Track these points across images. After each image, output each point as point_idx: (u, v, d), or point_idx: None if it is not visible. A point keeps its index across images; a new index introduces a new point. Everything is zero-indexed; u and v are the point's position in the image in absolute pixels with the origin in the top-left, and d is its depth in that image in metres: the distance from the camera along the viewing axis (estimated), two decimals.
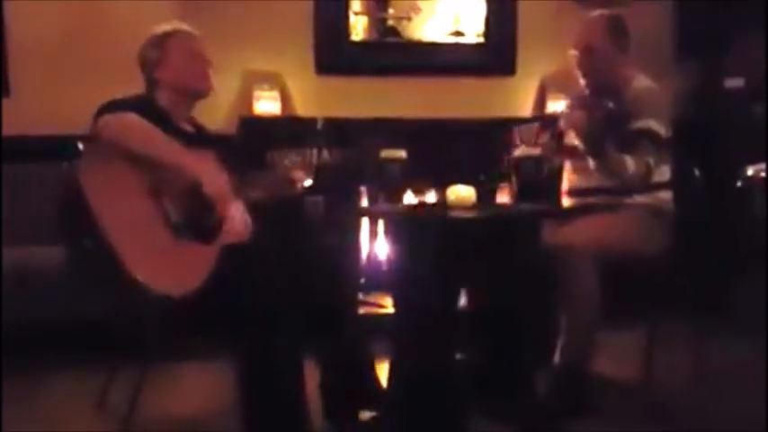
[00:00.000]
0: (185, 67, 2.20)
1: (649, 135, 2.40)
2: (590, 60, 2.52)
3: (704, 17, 3.63)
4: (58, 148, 2.05)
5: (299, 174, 2.32)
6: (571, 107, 2.60)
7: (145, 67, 2.21)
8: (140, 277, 1.83)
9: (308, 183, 2.35)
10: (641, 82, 2.52)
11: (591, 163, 2.41)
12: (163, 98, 2.19)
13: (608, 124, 2.40)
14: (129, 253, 1.84)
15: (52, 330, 2.81)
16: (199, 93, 2.24)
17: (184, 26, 2.26)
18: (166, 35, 2.22)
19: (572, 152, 2.56)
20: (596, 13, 2.56)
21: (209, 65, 2.24)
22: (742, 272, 3.25)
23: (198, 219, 2.01)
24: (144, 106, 2.06)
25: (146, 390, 2.13)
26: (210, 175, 2.01)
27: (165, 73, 2.18)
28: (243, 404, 1.95)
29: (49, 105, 3.38)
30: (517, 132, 2.52)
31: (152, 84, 2.21)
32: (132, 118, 1.97)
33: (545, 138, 2.70)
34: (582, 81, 2.57)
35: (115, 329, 2.17)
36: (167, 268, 1.91)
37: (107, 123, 1.96)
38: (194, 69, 2.22)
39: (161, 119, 2.08)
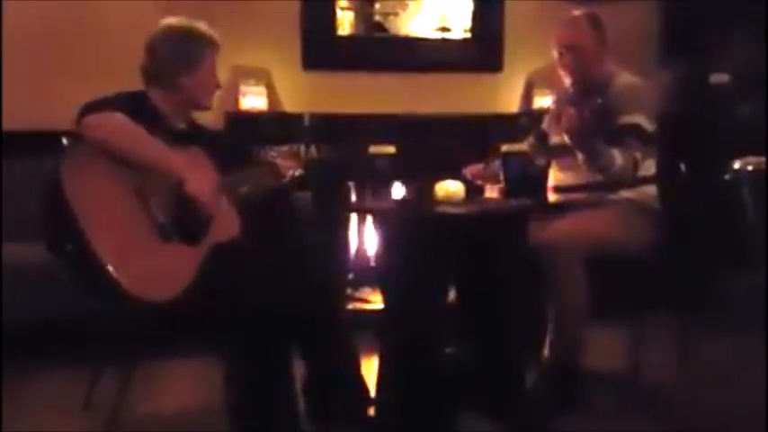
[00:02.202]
0: (209, 81, 2.14)
1: (635, 130, 2.41)
2: (575, 59, 2.53)
3: (690, 13, 3.65)
4: (45, 145, 2.02)
5: (287, 163, 2.30)
6: (558, 104, 2.60)
7: (165, 62, 2.08)
8: (124, 284, 1.79)
9: (299, 173, 2.32)
10: (625, 78, 2.53)
11: (579, 158, 2.42)
12: (162, 99, 2.10)
13: (595, 120, 2.41)
14: (113, 259, 1.80)
15: (37, 330, 2.78)
16: (202, 108, 2.19)
17: (215, 34, 2.16)
18: (206, 42, 2.12)
19: (558, 151, 2.57)
20: (575, 12, 2.58)
21: (218, 85, 2.19)
22: (728, 266, 3.27)
23: (187, 217, 1.98)
24: (133, 104, 1.98)
25: (131, 389, 2.11)
26: (195, 174, 1.96)
27: (189, 80, 2.09)
28: (231, 404, 1.94)
29: (38, 102, 3.32)
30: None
31: (162, 82, 2.09)
32: (117, 117, 1.89)
33: (530, 138, 2.72)
34: (567, 79, 2.59)
35: (100, 329, 2.14)
36: (152, 274, 1.87)
37: (90, 123, 1.88)
38: (211, 86, 2.17)
39: (152, 117, 2.02)
